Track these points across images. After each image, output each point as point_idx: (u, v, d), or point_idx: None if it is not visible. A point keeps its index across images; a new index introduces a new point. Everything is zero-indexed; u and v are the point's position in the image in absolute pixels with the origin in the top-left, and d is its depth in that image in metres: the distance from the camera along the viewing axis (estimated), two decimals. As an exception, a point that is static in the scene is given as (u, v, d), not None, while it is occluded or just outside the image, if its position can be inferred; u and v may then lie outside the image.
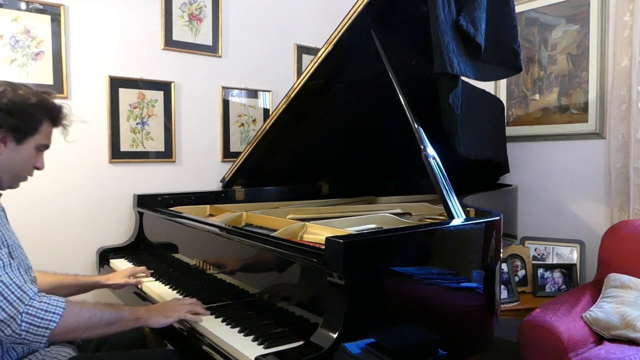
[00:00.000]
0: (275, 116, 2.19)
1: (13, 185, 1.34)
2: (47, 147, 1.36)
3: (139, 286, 1.81)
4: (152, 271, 1.92)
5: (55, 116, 1.34)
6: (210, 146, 2.79)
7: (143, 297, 1.77)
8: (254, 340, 1.24)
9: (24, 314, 1.10)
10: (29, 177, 1.37)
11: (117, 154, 2.46)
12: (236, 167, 2.51)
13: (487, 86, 2.77)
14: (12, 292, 1.11)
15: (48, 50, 2.25)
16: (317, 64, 1.94)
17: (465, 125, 1.84)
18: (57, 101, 1.36)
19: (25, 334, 1.10)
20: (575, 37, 2.59)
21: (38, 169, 1.37)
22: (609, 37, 2.46)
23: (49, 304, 1.14)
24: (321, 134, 2.41)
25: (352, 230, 1.67)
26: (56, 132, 1.39)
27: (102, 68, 2.41)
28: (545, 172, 2.74)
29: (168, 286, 1.78)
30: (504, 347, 2.47)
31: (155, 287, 1.78)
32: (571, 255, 2.58)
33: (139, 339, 1.69)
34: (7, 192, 1.33)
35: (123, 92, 2.47)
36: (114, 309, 1.30)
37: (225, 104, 2.82)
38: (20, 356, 1.30)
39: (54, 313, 1.13)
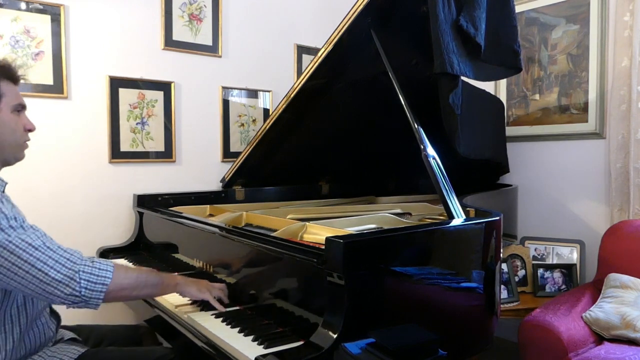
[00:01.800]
0: (275, 116, 2.19)
1: (17, 155, 1.31)
2: (22, 106, 1.31)
3: None
4: None
5: (8, 73, 1.28)
6: (210, 146, 2.79)
7: (149, 302, 1.76)
8: (254, 340, 1.24)
9: (80, 272, 1.17)
10: (27, 142, 1.33)
11: (117, 154, 2.46)
12: (236, 167, 2.51)
13: (487, 86, 2.77)
14: (62, 255, 1.17)
15: (48, 50, 2.25)
16: (317, 64, 1.94)
17: (465, 125, 1.84)
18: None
19: (85, 291, 1.17)
20: (575, 37, 2.59)
21: (30, 130, 1.33)
22: (609, 37, 2.46)
23: (100, 263, 1.22)
24: (321, 134, 2.41)
25: (352, 230, 1.67)
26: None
27: (102, 68, 2.41)
28: (545, 172, 2.74)
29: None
30: (504, 347, 2.47)
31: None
32: (571, 255, 2.58)
33: (136, 337, 1.70)
34: (7, 191, 1.32)
35: (123, 92, 2.47)
36: (155, 273, 1.41)
37: (225, 104, 2.82)
38: (31, 351, 1.31)
39: (106, 270, 1.21)
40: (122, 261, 2.19)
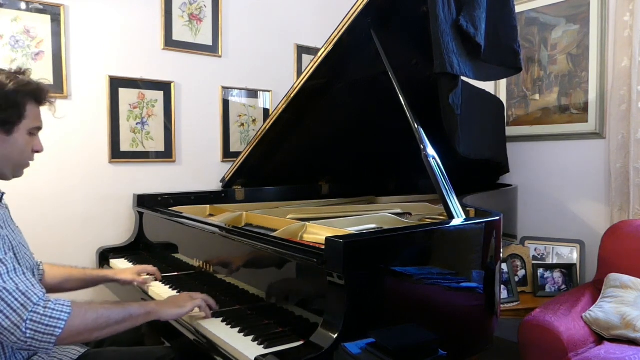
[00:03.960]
0: (275, 116, 2.19)
1: (17, 174, 1.31)
2: (39, 129, 1.32)
3: (146, 287, 1.80)
4: (163, 276, 1.88)
5: (38, 96, 1.29)
6: (210, 146, 2.79)
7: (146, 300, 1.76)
8: (254, 340, 1.24)
9: (27, 322, 1.07)
10: (30, 162, 1.33)
11: (117, 154, 2.46)
12: (236, 167, 2.51)
13: (487, 86, 2.77)
14: (16, 299, 1.08)
15: (48, 50, 2.25)
16: (317, 64, 1.94)
17: (465, 125, 1.84)
18: (34, 78, 1.31)
19: (31, 341, 1.08)
20: (575, 37, 2.59)
21: (37, 152, 1.33)
22: (609, 37, 2.46)
23: (53, 309, 1.11)
24: (321, 134, 2.41)
25: (352, 230, 1.67)
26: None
27: (102, 68, 2.41)
28: (545, 172, 2.74)
29: (168, 286, 1.78)
30: (504, 347, 2.47)
31: (155, 288, 1.78)
32: (571, 255, 2.58)
33: (137, 337, 1.70)
34: (7, 191, 1.33)
35: (123, 92, 2.47)
36: (122, 307, 1.28)
37: (225, 104, 2.82)
38: (31, 355, 1.31)
39: (58, 319, 1.10)
40: (122, 262, 2.20)
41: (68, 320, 1.11)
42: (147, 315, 1.30)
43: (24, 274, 1.14)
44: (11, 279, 1.10)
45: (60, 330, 1.10)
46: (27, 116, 1.26)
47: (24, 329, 1.07)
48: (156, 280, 1.85)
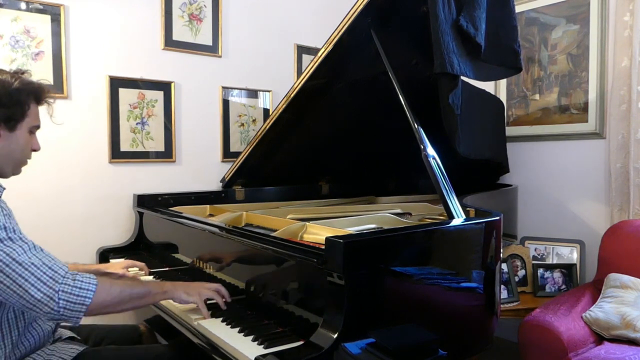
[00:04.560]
0: (275, 116, 2.19)
1: (16, 171, 1.36)
2: (38, 127, 1.37)
3: None
4: (150, 271, 1.94)
5: (39, 96, 1.34)
6: (210, 146, 2.79)
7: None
8: (253, 340, 1.24)
9: (60, 292, 1.15)
10: (28, 160, 1.38)
11: (117, 154, 2.46)
12: (236, 167, 2.51)
13: (487, 86, 2.77)
14: (44, 273, 1.15)
15: (48, 50, 2.25)
16: (317, 64, 1.94)
17: (465, 125, 1.84)
18: (34, 78, 1.35)
19: (64, 311, 1.15)
20: (575, 37, 2.59)
21: (35, 150, 1.38)
22: (609, 37, 2.46)
23: (82, 281, 1.19)
24: (321, 133, 2.41)
25: (352, 230, 1.67)
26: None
27: (102, 68, 2.41)
28: (545, 172, 2.74)
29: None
30: (504, 347, 2.47)
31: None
32: (571, 255, 2.58)
33: (135, 336, 1.70)
34: (6, 191, 1.33)
35: (123, 92, 2.47)
36: (142, 284, 1.39)
37: (225, 104, 2.82)
38: (29, 351, 1.32)
39: (87, 289, 1.19)
40: (120, 261, 2.19)
41: (96, 291, 1.20)
42: (163, 294, 1.39)
43: (42, 250, 1.21)
44: (34, 254, 1.17)
45: (89, 300, 1.18)
46: (29, 114, 1.31)
47: (57, 299, 1.14)
48: (145, 275, 1.88)
